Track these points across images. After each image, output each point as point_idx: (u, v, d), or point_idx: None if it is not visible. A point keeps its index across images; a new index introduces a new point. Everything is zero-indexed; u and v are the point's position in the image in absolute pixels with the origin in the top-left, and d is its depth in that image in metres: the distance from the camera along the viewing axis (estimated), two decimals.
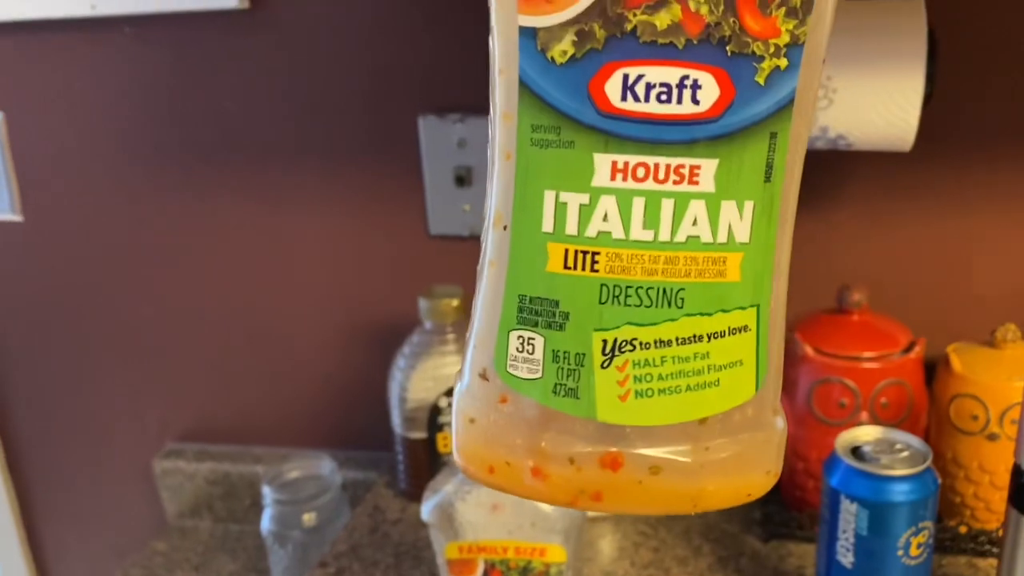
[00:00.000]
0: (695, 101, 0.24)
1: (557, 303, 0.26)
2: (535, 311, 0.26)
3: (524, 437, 0.26)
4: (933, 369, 0.71)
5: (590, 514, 0.78)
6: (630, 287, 0.25)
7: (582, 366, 0.26)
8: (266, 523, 0.85)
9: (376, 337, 0.91)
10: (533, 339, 0.26)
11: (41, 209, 0.95)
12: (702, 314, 0.26)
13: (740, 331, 0.26)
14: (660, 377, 0.26)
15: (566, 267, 0.26)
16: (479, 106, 0.82)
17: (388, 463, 0.89)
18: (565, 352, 0.26)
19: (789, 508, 0.74)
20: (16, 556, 1.10)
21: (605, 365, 0.25)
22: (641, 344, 0.25)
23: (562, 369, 0.26)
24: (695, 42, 0.24)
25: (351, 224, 0.89)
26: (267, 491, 0.84)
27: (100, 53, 0.88)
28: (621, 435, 0.26)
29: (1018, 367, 0.67)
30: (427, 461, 0.80)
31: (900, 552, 0.54)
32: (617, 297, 0.25)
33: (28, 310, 1.00)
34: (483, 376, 0.28)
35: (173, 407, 1.00)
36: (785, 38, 0.24)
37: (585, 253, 0.25)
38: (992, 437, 0.67)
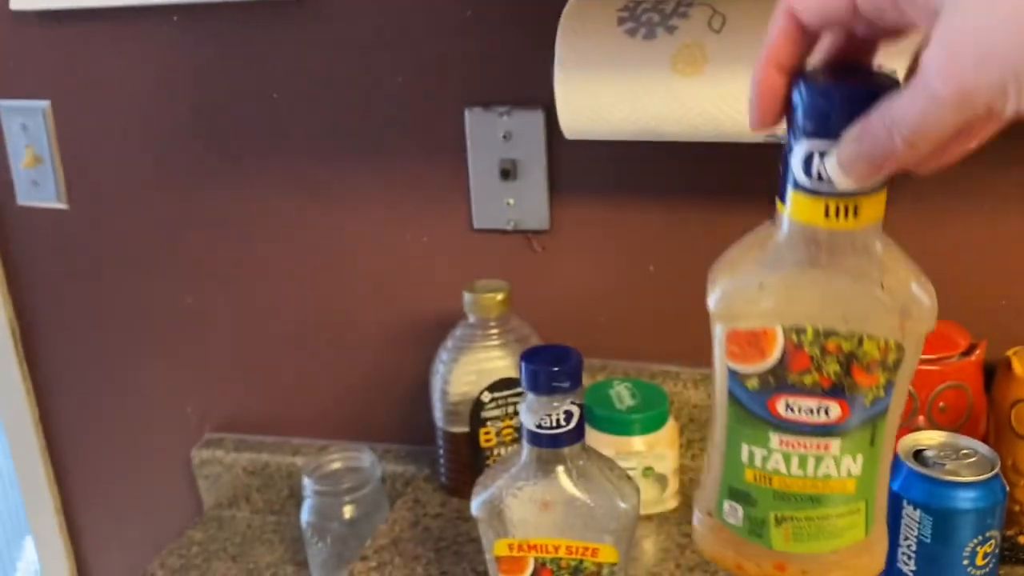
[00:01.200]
0: (826, 415, 0.40)
1: (750, 496, 0.44)
2: (738, 494, 0.44)
3: (732, 551, 0.45)
4: (993, 373, 0.69)
5: None
6: (791, 495, 0.42)
7: (764, 525, 0.43)
8: (305, 514, 0.85)
9: (419, 330, 0.90)
10: (736, 507, 0.44)
11: (87, 198, 0.96)
12: (831, 507, 0.42)
13: (854, 513, 0.43)
14: (808, 532, 0.43)
15: (754, 480, 0.43)
16: (526, 99, 0.81)
17: (428, 457, 0.89)
18: (755, 516, 0.44)
19: None
20: (55, 545, 1.11)
21: (776, 525, 0.43)
22: (796, 519, 0.43)
23: (753, 524, 0.44)
24: (826, 389, 0.39)
25: (395, 216, 0.88)
26: (307, 482, 0.84)
27: (148, 42, 0.88)
28: (786, 556, 0.44)
29: None
30: (468, 455, 0.80)
31: (966, 562, 0.52)
32: (784, 498, 0.43)
33: (71, 299, 1.00)
34: (709, 514, 0.46)
35: (212, 397, 1.00)
36: (882, 382, 0.39)
37: (765, 477, 0.43)
38: None
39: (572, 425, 0.52)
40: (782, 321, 0.38)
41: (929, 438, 0.56)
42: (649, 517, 0.77)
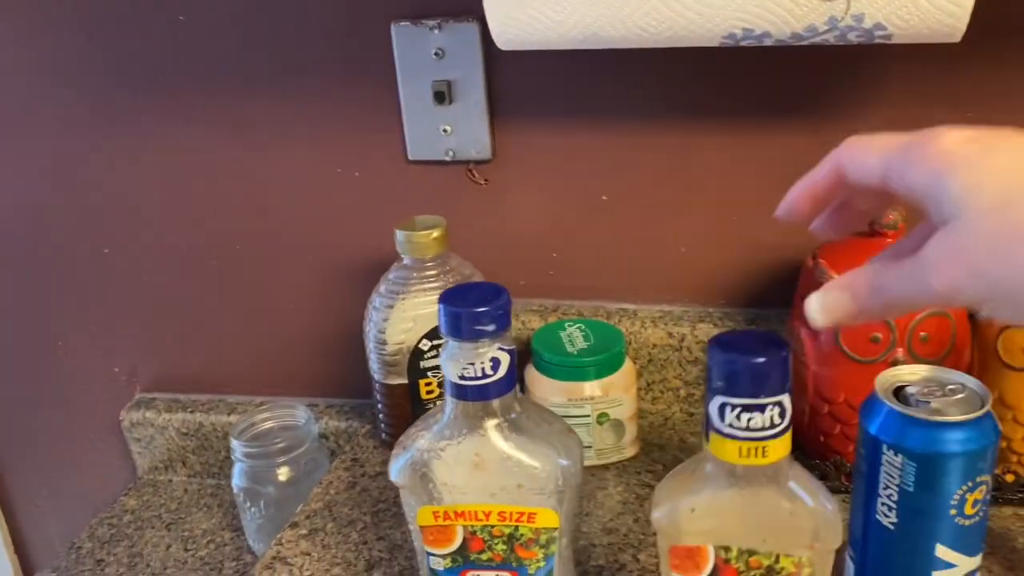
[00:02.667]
0: None
1: None
2: None
3: None
4: None
5: (593, 462, 0.71)
6: None
7: None
8: (237, 479, 0.78)
9: (355, 274, 0.82)
10: None
11: None
12: None
13: None
14: None
15: None
16: (460, 9, 0.72)
17: (371, 412, 0.82)
18: None
19: (811, 456, 0.66)
20: None
21: None
22: None
23: None
24: None
25: (323, 150, 0.80)
26: (236, 445, 0.77)
27: None
28: None
29: None
30: (409, 409, 0.73)
31: (953, 511, 0.46)
32: None
33: None
34: None
35: (140, 354, 0.93)
36: None
37: None
38: None
39: (501, 373, 0.45)
40: (711, 540, 0.42)
41: (911, 373, 0.49)
42: (607, 467, 0.71)
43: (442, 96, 0.75)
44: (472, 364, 0.44)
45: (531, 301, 0.81)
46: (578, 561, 0.60)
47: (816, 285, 0.63)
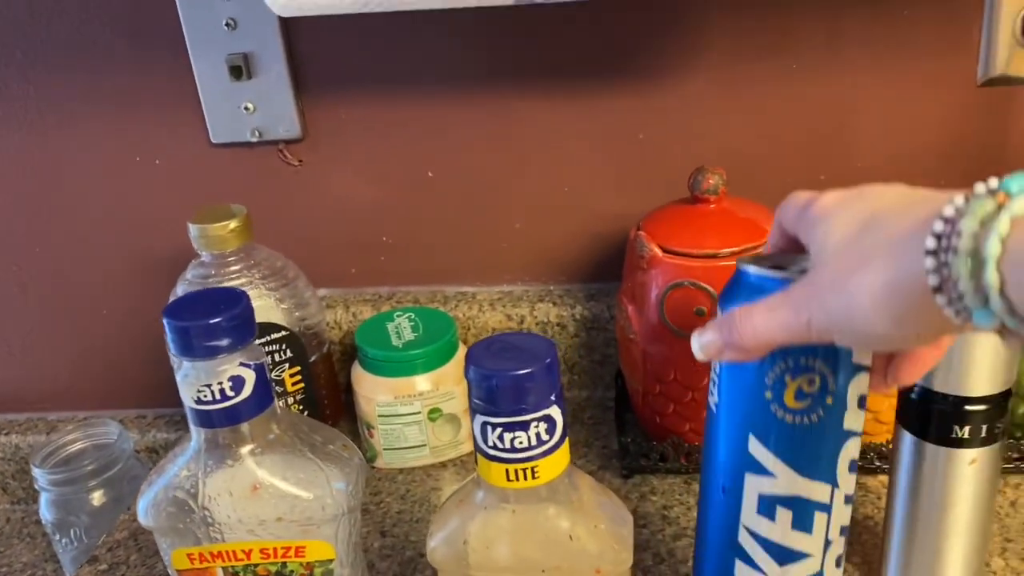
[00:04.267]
0: None
1: None
2: None
3: None
4: None
5: (428, 461, 0.66)
6: None
7: None
8: (44, 511, 0.71)
9: (162, 272, 0.75)
10: None
11: None
12: None
13: None
14: None
15: None
16: None
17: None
18: None
19: (650, 437, 0.63)
20: None
21: None
22: None
23: None
24: None
25: (120, 137, 0.72)
26: (39, 473, 0.69)
27: None
28: None
29: None
30: None
31: (768, 394, 0.37)
32: None
33: None
34: None
35: None
36: None
37: None
38: None
39: (246, 393, 0.39)
40: (485, 573, 0.38)
41: (775, 256, 0.39)
42: (443, 464, 0.66)
43: (239, 71, 0.67)
44: (208, 386, 0.38)
45: (363, 290, 0.75)
46: (402, 575, 0.55)
47: (637, 257, 0.59)
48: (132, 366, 0.80)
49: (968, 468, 0.45)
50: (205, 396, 0.38)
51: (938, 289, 0.27)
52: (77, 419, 0.82)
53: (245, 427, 0.40)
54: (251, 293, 0.64)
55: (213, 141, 0.71)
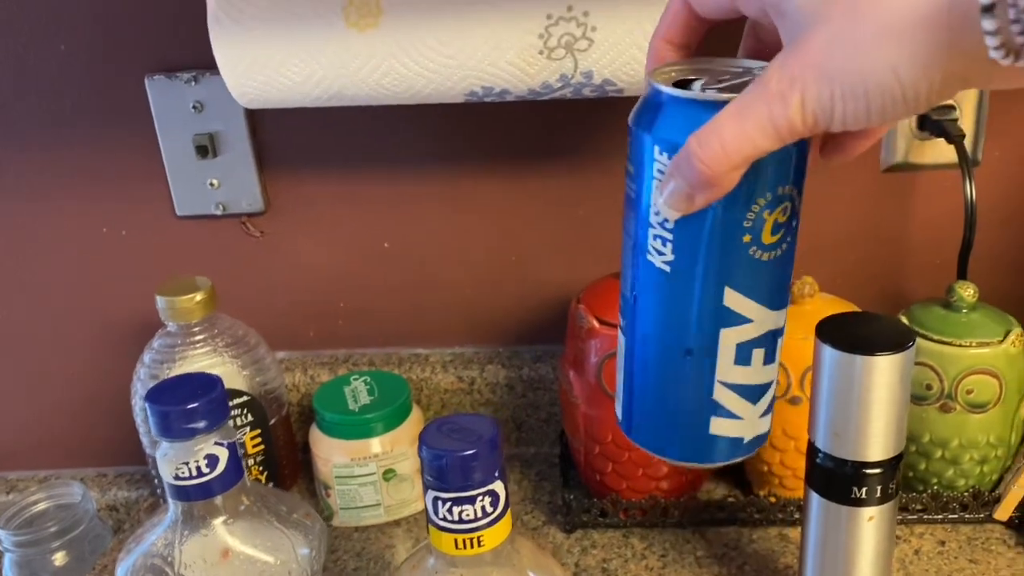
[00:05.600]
0: None
1: None
2: None
3: None
4: None
5: (382, 520, 0.69)
6: None
7: None
8: (8, 572, 0.72)
9: (126, 339, 0.78)
10: None
11: None
12: None
13: None
14: None
15: None
16: (214, 62, 0.69)
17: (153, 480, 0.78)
18: None
19: (591, 494, 0.67)
20: None
21: None
22: None
23: None
24: None
25: (87, 209, 0.75)
26: (2, 535, 0.71)
27: None
28: None
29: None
30: None
31: (747, 237, 0.33)
32: None
33: None
34: None
35: None
36: None
37: None
38: (794, 401, 0.62)
39: (219, 470, 0.43)
40: None
41: (690, 65, 0.36)
42: (397, 522, 0.70)
43: (205, 150, 0.72)
44: (186, 463, 0.42)
45: (321, 353, 0.79)
46: None
47: (578, 329, 0.64)
48: (95, 426, 0.83)
49: (867, 524, 0.51)
50: (183, 473, 0.42)
51: (988, 8, 0.23)
52: (38, 477, 0.84)
53: (219, 500, 0.43)
54: (214, 361, 0.68)
55: (178, 213, 0.75)
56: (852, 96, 0.26)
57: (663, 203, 0.32)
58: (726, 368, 0.36)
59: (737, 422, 0.38)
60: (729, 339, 0.35)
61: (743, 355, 0.36)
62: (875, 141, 0.34)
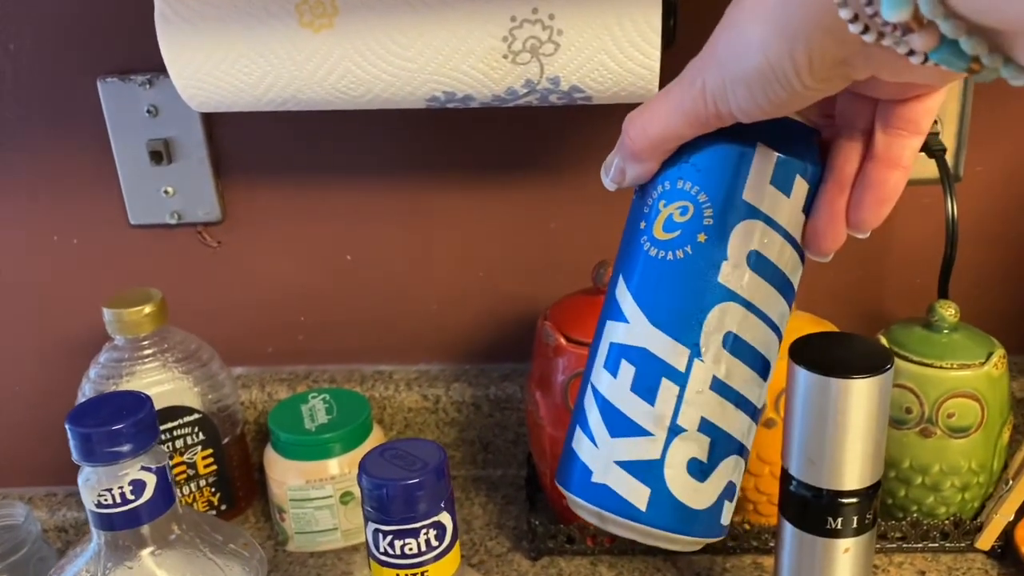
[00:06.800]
0: None
1: None
2: None
3: None
4: None
5: (339, 545, 0.66)
6: None
7: None
8: None
9: (75, 353, 0.74)
10: None
11: None
12: None
13: None
14: None
15: None
16: None
17: None
18: None
19: (559, 520, 0.64)
20: None
21: None
22: None
23: None
24: None
25: (36, 216, 0.72)
26: None
27: None
28: None
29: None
30: None
31: (643, 224, 0.33)
32: None
33: None
34: None
35: None
36: None
37: None
38: (769, 424, 0.60)
39: (146, 497, 0.40)
40: None
41: None
42: (355, 547, 0.67)
43: (159, 156, 0.69)
44: (109, 490, 0.39)
45: (280, 369, 0.76)
46: None
47: (545, 347, 0.61)
48: (43, 444, 0.79)
49: (843, 556, 0.48)
50: (106, 500, 0.39)
51: None
52: None
53: (146, 529, 0.40)
54: (163, 376, 0.65)
55: (132, 222, 0.72)
56: (737, 80, 0.28)
57: (606, 178, 0.34)
58: (598, 369, 0.34)
59: (590, 446, 0.32)
60: (608, 335, 0.34)
61: (612, 359, 0.33)
62: (893, 198, 0.34)
